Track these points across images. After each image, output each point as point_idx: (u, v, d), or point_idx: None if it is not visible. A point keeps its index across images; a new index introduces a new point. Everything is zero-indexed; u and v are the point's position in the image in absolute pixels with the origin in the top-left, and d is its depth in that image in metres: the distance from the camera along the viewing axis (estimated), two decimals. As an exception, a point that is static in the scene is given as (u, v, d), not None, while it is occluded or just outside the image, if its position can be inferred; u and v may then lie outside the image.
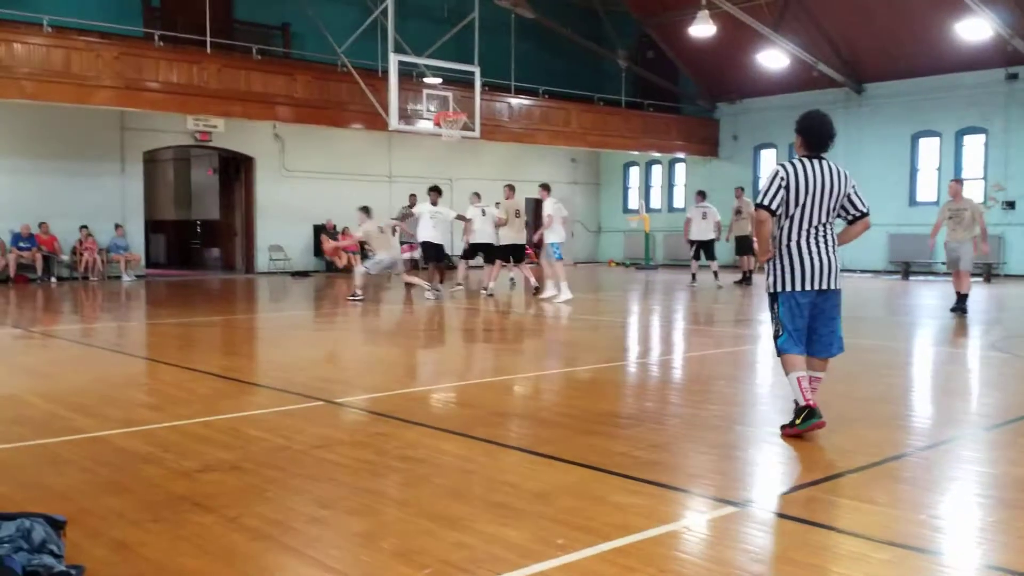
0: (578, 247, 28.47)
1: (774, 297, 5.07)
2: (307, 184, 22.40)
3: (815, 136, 5.05)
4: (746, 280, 17.83)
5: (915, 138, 22.76)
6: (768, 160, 26.09)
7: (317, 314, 13.43)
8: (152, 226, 23.14)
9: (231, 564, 3.19)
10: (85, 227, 19.16)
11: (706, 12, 20.51)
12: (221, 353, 9.17)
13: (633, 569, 3.11)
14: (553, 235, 14.28)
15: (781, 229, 5.02)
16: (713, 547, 3.45)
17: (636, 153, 27.53)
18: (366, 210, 14.22)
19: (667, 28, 24.99)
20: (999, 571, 3.17)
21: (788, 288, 4.98)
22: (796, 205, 4.94)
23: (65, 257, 19.18)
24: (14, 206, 18.29)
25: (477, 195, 15.85)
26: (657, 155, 27.57)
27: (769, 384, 7.34)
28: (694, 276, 18.42)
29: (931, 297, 15.59)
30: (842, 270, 5.05)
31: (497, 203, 15.34)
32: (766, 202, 4.97)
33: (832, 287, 4.99)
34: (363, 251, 13.70)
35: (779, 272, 5.02)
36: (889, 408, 6.05)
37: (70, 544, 3.16)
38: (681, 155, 27.13)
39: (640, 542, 3.36)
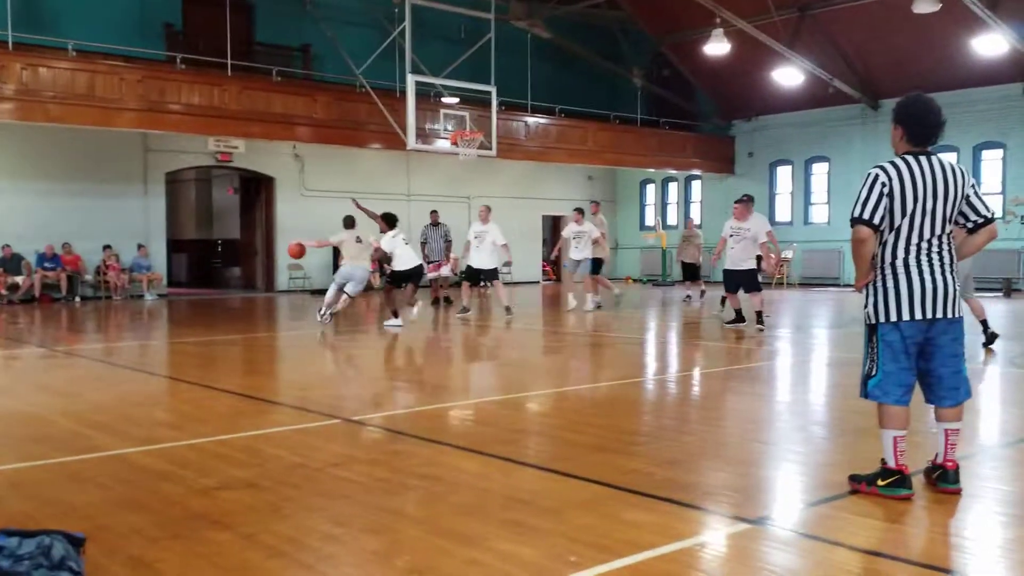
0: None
1: (872, 329, 4.15)
2: (326, 203, 22.49)
3: (921, 125, 4.08)
4: None
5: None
6: (784, 177, 26.06)
7: (336, 332, 13.48)
8: (174, 245, 23.36)
9: (247, 581, 3.22)
10: (109, 247, 19.41)
11: (720, 30, 20.56)
12: (240, 372, 9.24)
13: (646, 586, 3.11)
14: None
15: (883, 245, 4.08)
16: (728, 564, 3.44)
17: (652, 170, 27.58)
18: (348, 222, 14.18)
19: (682, 47, 25.05)
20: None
21: (892, 318, 4.05)
22: (903, 215, 4.00)
23: (89, 277, 19.42)
24: (39, 227, 18.57)
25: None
26: (673, 172, 27.59)
27: (787, 401, 7.33)
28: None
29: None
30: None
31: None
32: (865, 215, 4.00)
33: (951, 315, 4.07)
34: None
35: (881, 298, 4.09)
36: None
37: (89, 561, 3.20)
38: (697, 172, 27.14)
39: (653, 559, 3.36)
